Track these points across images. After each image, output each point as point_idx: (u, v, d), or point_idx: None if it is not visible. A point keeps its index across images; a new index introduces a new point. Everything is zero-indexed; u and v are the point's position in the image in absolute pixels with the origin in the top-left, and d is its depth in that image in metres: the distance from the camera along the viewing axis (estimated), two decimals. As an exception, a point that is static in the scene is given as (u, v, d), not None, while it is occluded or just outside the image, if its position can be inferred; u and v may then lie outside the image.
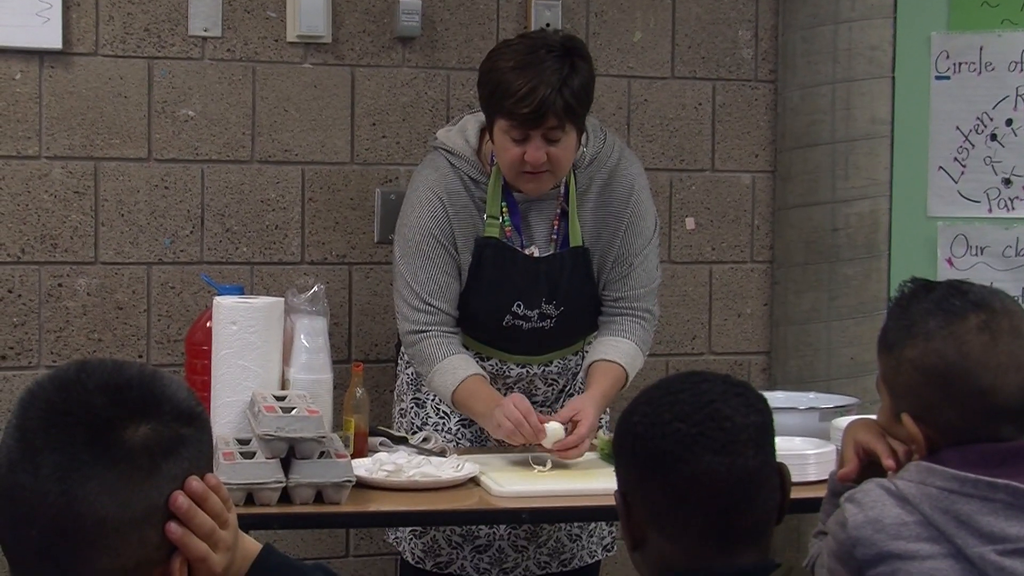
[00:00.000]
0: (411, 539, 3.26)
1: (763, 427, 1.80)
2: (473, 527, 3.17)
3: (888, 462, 2.09)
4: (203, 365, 3.06)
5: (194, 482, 1.46)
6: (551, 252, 3.21)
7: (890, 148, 4.04)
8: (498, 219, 3.17)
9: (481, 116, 3.19)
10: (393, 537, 3.36)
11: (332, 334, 3.88)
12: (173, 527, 1.44)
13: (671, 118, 4.17)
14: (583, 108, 3.08)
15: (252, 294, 3.72)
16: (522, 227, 3.20)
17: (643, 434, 1.79)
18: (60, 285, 3.71)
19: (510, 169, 3.09)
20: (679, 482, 1.75)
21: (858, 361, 4.02)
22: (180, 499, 1.44)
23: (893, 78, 4.03)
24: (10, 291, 3.66)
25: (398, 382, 3.44)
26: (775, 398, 3.39)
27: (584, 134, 3.19)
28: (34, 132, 3.68)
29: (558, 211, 3.21)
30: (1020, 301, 3.83)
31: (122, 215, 3.75)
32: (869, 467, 2.13)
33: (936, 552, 1.90)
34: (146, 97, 3.75)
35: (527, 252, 3.20)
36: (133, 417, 1.43)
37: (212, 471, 1.51)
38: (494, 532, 3.21)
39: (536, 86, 2.99)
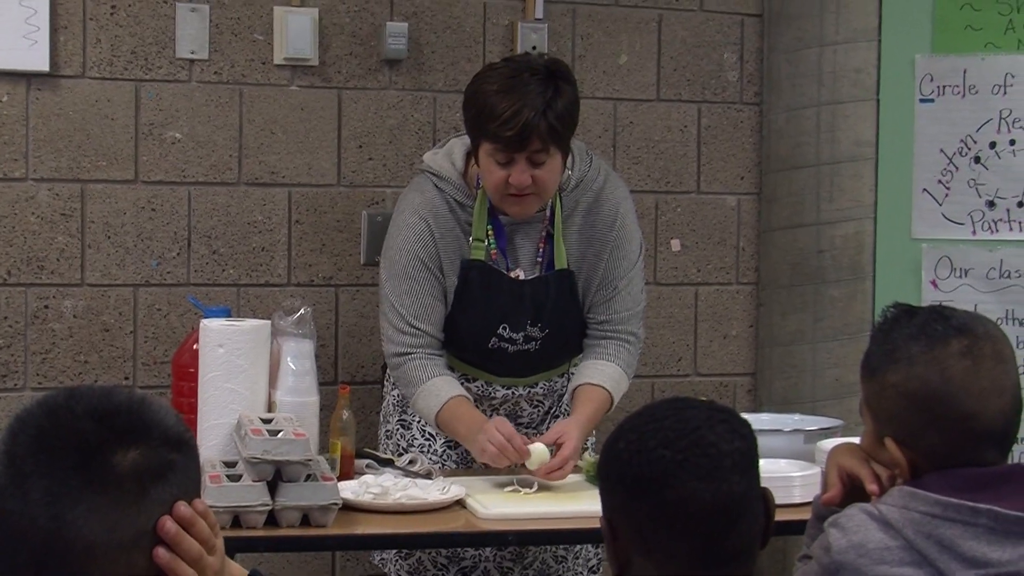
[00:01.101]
0: (397, 561, 3.28)
1: (747, 453, 1.82)
2: (459, 549, 3.19)
3: (872, 487, 2.10)
4: (190, 387, 3.07)
5: (182, 507, 1.47)
6: (536, 275, 3.24)
7: (875, 170, 4.08)
8: (484, 242, 3.20)
9: (467, 139, 3.22)
10: (379, 559, 3.37)
11: (318, 356, 3.89)
12: (161, 552, 1.46)
13: (657, 140, 4.21)
14: (568, 131, 3.11)
15: (239, 316, 3.74)
16: (508, 250, 3.23)
17: (628, 460, 1.80)
18: (46, 307, 3.73)
19: (495, 192, 3.11)
20: (664, 508, 1.77)
21: (843, 382, 4.05)
22: (168, 524, 1.46)
23: (878, 101, 4.07)
24: (-4, 313, 3.69)
25: (384, 404, 3.47)
26: (760, 420, 3.42)
27: (570, 157, 3.22)
28: (21, 154, 3.70)
29: (544, 234, 3.24)
30: (1004, 323, 3.87)
31: (109, 237, 3.77)
32: (853, 492, 2.15)
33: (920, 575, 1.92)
34: (133, 119, 3.77)
35: (512, 275, 3.22)
36: (122, 442, 1.45)
37: (200, 496, 1.53)
38: (480, 554, 3.23)
39: (520, 109, 3.02)
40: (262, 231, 3.88)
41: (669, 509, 1.77)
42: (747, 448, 1.82)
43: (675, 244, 4.23)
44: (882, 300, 3.85)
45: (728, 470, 1.78)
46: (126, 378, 3.78)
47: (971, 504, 1.91)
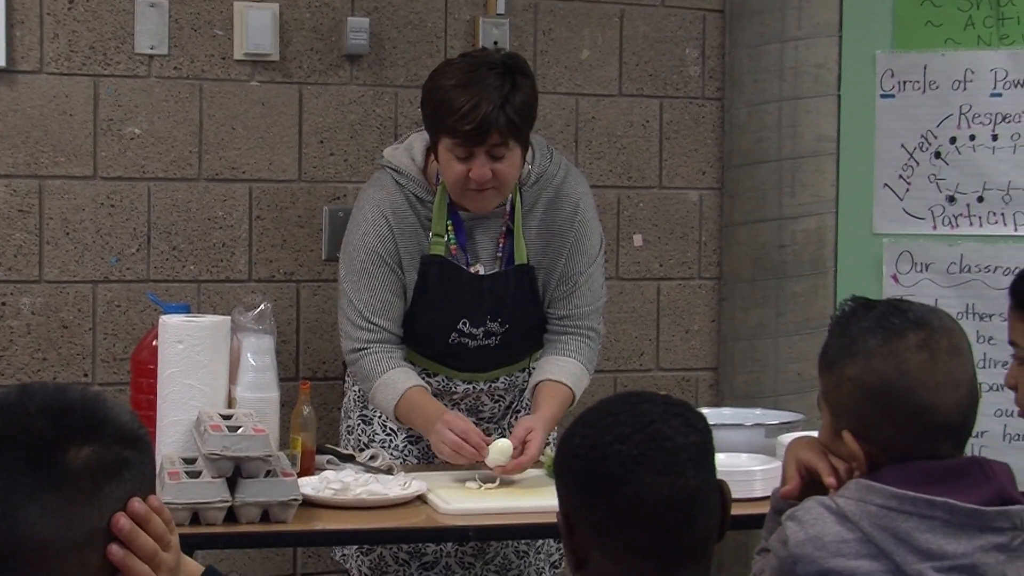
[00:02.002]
0: (358, 556, 3.28)
1: (703, 446, 1.83)
2: (420, 544, 3.19)
3: (829, 480, 2.11)
4: (149, 384, 3.07)
5: (136, 504, 1.48)
6: (496, 270, 3.25)
7: (836, 165, 4.10)
8: (443, 237, 3.21)
9: (427, 135, 3.22)
10: (340, 555, 3.37)
11: (280, 352, 3.89)
12: (115, 549, 1.46)
13: (619, 135, 4.22)
14: (526, 124, 3.12)
15: (199, 312, 3.73)
16: (467, 245, 3.23)
17: (584, 456, 1.81)
18: (3, 304, 3.71)
19: (455, 186, 3.12)
20: (621, 503, 1.77)
21: (805, 377, 4.07)
22: (122, 521, 1.46)
23: (839, 96, 4.09)
24: (-46, 310, 3.67)
25: (345, 399, 3.47)
26: (722, 414, 3.44)
27: (530, 151, 3.22)
28: (-22, 150, 3.69)
29: (503, 229, 3.25)
30: (964, 317, 3.90)
31: (67, 233, 3.75)
32: (811, 485, 2.15)
33: (876, 569, 1.93)
34: (91, 115, 3.76)
35: (472, 270, 3.23)
36: (75, 440, 1.45)
37: (155, 493, 1.53)
38: (441, 549, 3.23)
39: (478, 103, 3.03)
40: (222, 227, 3.87)
41: (626, 504, 1.77)
42: (703, 442, 1.83)
43: (637, 239, 4.24)
44: (843, 294, 3.82)
45: (684, 464, 1.78)
46: (85, 375, 3.76)
47: (927, 497, 1.92)
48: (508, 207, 3.23)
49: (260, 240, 3.91)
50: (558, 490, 1.87)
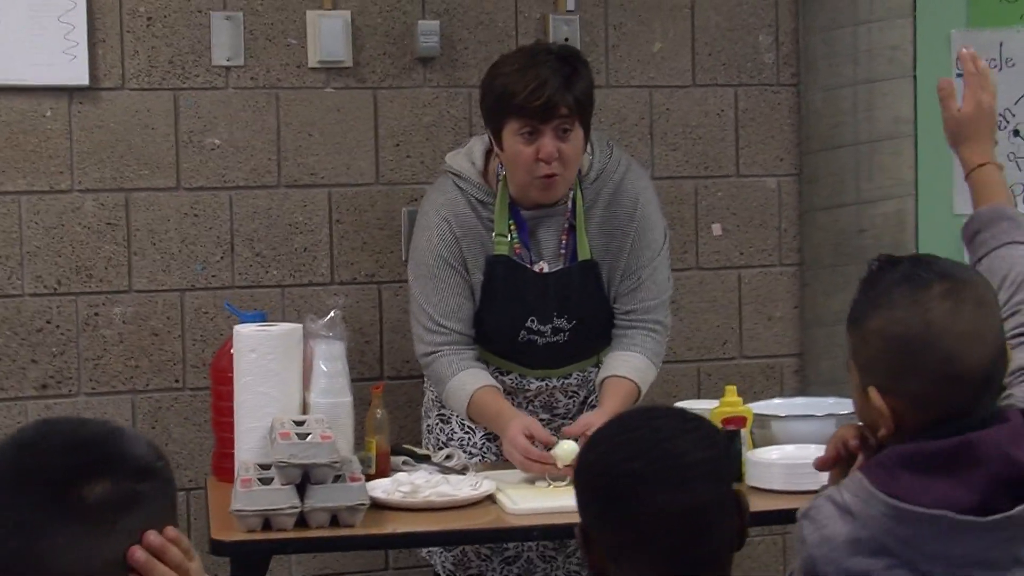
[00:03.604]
0: (442, 553, 3.32)
1: (717, 461, 1.83)
2: (500, 540, 3.22)
3: (853, 443, 2.08)
4: (227, 391, 3.12)
5: (152, 536, 1.52)
6: (560, 267, 3.26)
7: (914, 147, 4.04)
8: (507, 237, 3.23)
9: (486, 137, 3.25)
10: (425, 551, 3.42)
11: (364, 352, 3.97)
12: None
13: (694, 126, 4.20)
14: (589, 107, 3.16)
15: (283, 317, 3.80)
16: (530, 243, 3.25)
17: (600, 471, 1.82)
18: (96, 314, 3.81)
19: (524, 172, 3.14)
20: (635, 520, 1.79)
21: (889, 361, 4.02)
22: (138, 553, 1.51)
23: (915, 77, 4.03)
24: (48, 322, 3.77)
25: (425, 399, 3.51)
26: (794, 404, 3.42)
27: (590, 147, 3.24)
28: (66, 166, 3.77)
29: (566, 226, 3.26)
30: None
31: (154, 244, 3.84)
32: (850, 459, 2.11)
33: (893, 563, 1.92)
34: (173, 128, 3.83)
35: (536, 268, 3.25)
36: (92, 475, 1.49)
37: (175, 522, 1.57)
38: (522, 544, 3.26)
39: (545, 81, 3.08)
40: (303, 232, 3.93)
41: (639, 520, 1.78)
42: (716, 456, 1.83)
43: (716, 228, 4.22)
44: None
45: (697, 480, 1.79)
46: (176, 380, 3.85)
47: (928, 513, 1.88)
48: (570, 204, 3.25)
49: (340, 243, 3.96)
50: (577, 503, 1.88)
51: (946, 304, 1.92)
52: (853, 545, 1.92)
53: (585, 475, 1.86)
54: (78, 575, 1.48)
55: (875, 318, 1.97)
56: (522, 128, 3.10)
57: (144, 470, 1.53)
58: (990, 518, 1.87)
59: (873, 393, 1.97)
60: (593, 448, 1.86)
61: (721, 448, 1.85)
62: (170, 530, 1.54)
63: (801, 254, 4.26)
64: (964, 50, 2.59)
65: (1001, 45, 3.91)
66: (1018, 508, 1.88)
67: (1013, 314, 2.22)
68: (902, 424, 1.96)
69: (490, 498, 2.96)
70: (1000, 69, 3.92)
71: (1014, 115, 3.91)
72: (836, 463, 2.12)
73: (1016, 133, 3.92)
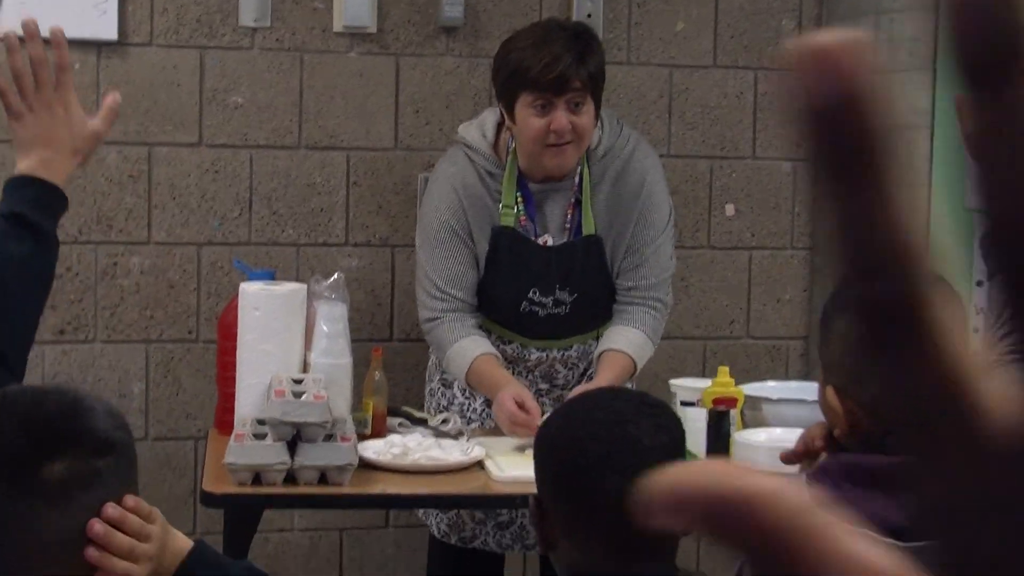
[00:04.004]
0: (437, 514, 3.39)
1: (673, 447, 1.85)
2: (495, 505, 3.28)
3: (819, 443, 2.09)
4: (232, 347, 3.19)
5: (110, 509, 1.56)
6: (564, 241, 3.31)
7: (930, 139, 4.05)
8: (513, 208, 3.28)
9: (498, 110, 3.30)
10: (421, 512, 3.49)
11: (374, 313, 4.04)
12: (91, 552, 1.55)
13: (712, 106, 4.22)
14: (600, 83, 3.20)
15: (297, 276, 3.87)
16: (536, 216, 3.30)
17: (558, 446, 1.86)
18: (115, 264, 3.89)
19: (535, 144, 3.18)
20: (586, 499, 1.82)
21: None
22: (96, 527, 1.55)
23: (934, 69, 4.03)
24: (68, 269, 3.85)
25: (429, 363, 3.57)
26: (788, 388, 3.46)
27: (600, 124, 3.29)
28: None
29: (572, 200, 3.30)
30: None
31: (174, 198, 3.91)
32: (816, 457, 2.13)
33: None
34: (198, 85, 3.89)
35: (540, 241, 3.30)
36: (50, 454, 1.53)
37: (136, 488, 1.61)
38: (515, 511, 3.32)
39: (559, 55, 3.12)
40: (321, 193, 3.99)
41: (591, 500, 1.81)
42: (672, 443, 1.86)
43: (729, 209, 4.25)
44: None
45: (651, 466, 1.83)
46: (189, 332, 3.93)
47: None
48: (577, 179, 3.29)
49: (357, 206, 4.02)
50: (535, 475, 1.92)
51: None
52: None
53: (544, 450, 1.90)
54: (38, 547, 1.53)
55: (838, 320, 1.97)
56: (535, 101, 3.15)
57: (103, 445, 1.56)
58: (907, 544, 1.88)
59: (830, 392, 1.98)
60: (554, 424, 1.91)
61: (676, 434, 1.88)
62: (129, 499, 1.58)
63: (813, 239, 4.29)
64: None
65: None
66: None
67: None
68: (857, 427, 1.96)
69: (479, 464, 3.03)
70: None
71: None
72: (802, 459, 2.15)
73: None
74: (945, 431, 0.38)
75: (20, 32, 2.00)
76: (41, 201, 1.99)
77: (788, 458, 2.19)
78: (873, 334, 0.37)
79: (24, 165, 2.00)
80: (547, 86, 3.12)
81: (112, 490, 1.57)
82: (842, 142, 0.35)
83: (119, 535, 1.57)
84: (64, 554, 1.55)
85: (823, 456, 2.07)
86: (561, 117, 3.14)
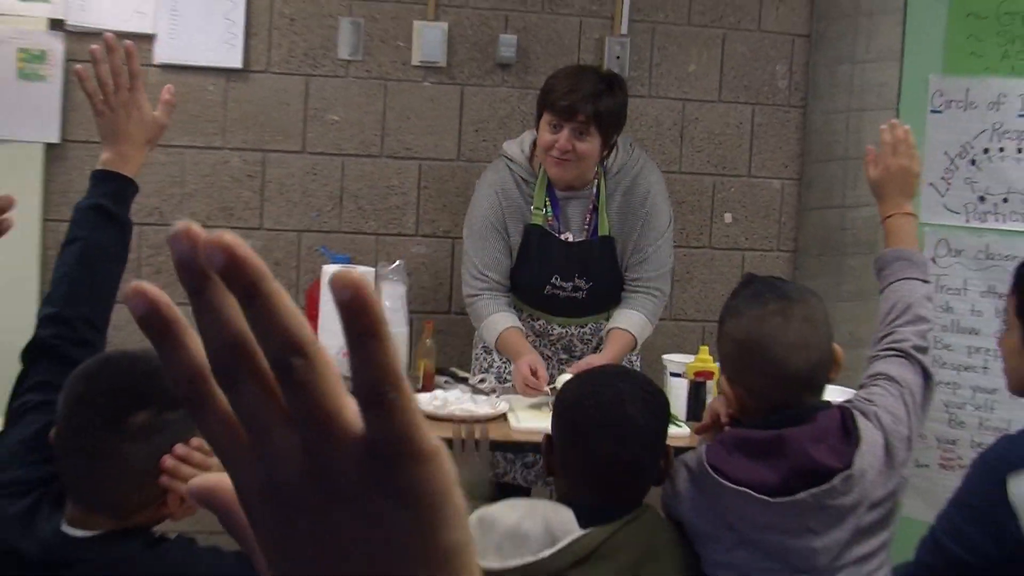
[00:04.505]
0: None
1: (659, 430, 1.87)
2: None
3: (724, 419, 2.10)
4: (315, 315, 3.27)
5: (179, 448, 1.61)
6: (583, 239, 3.34)
7: (893, 166, 4.04)
8: (542, 210, 3.29)
9: (535, 132, 3.35)
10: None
11: (436, 291, 4.09)
12: (164, 479, 1.61)
13: (716, 134, 4.23)
14: (610, 121, 3.14)
15: (375, 259, 3.91)
16: (561, 217, 3.31)
17: (570, 405, 1.88)
18: (233, 245, 3.99)
19: (543, 152, 3.17)
20: (583, 456, 1.84)
21: (855, 336, 4.04)
22: (168, 461, 1.60)
23: (897, 109, 4.02)
24: (196, 247, 3.96)
25: (476, 333, 3.64)
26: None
27: (616, 151, 3.32)
28: (220, 130, 3.92)
29: (591, 207, 3.31)
30: (986, 296, 3.84)
31: (281, 194, 3.98)
32: (721, 428, 2.14)
33: (715, 517, 1.96)
34: (303, 105, 3.95)
35: (563, 238, 3.32)
36: (136, 407, 1.59)
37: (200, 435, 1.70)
38: (538, 453, 3.38)
39: (575, 88, 3.10)
40: (397, 193, 4.04)
41: (587, 457, 1.84)
42: (659, 426, 1.88)
43: (727, 217, 4.27)
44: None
45: (638, 441, 1.83)
46: (290, 301, 4.02)
47: (736, 488, 1.90)
48: (595, 190, 3.31)
49: (426, 205, 4.07)
50: (551, 420, 1.93)
51: (777, 319, 1.94)
52: (691, 501, 1.98)
53: (559, 405, 1.91)
54: (126, 475, 1.59)
55: (729, 323, 2.00)
56: (551, 120, 3.15)
57: (175, 401, 1.57)
58: (779, 499, 1.89)
59: (723, 381, 2.01)
60: (573, 386, 1.90)
61: (663, 419, 1.88)
62: (194, 440, 1.62)
63: (796, 243, 4.30)
64: (883, 126, 2.59)
65: (967, 90, 3.88)
66: (802, 493, 1.90)
67: (889, 334, 2.21)
68: (744, 408, 1.99)
69: (504, 416, 3.09)
70: (965, 110, 3.91)
71: (972, 147, 3.90)
72: (709, 430, 2.16)
73: (973, 162, 3.91)
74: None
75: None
76: (118, 194, 1.99)
77: (699, 430, 2.19)
78: (202, 396, 0.47)
79: (105, 157, 2.00)
80: (559, 111, 3.12)
81: (180, 435, 1.61)
82: (194, 279, 0.45)
83: (184, 467, 1.60)
84: (145, 480, 1.60)
85: (725, 428, 2.07)
86: (563, 138, 3.12)
